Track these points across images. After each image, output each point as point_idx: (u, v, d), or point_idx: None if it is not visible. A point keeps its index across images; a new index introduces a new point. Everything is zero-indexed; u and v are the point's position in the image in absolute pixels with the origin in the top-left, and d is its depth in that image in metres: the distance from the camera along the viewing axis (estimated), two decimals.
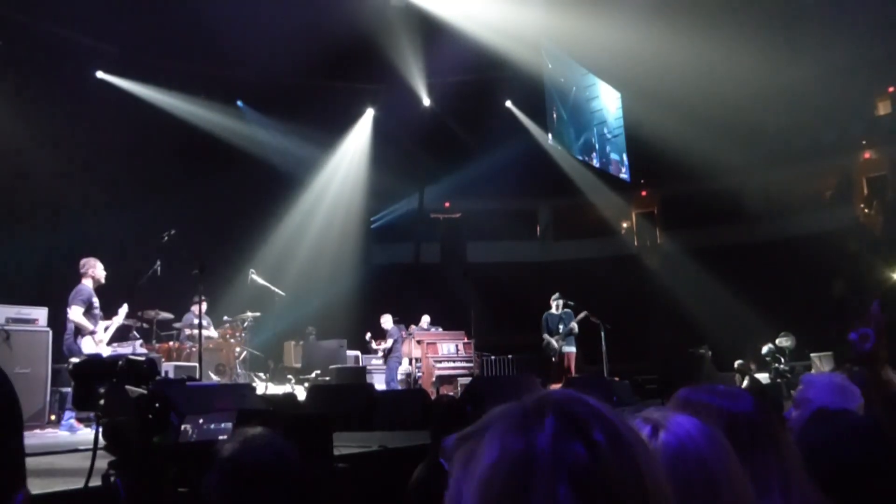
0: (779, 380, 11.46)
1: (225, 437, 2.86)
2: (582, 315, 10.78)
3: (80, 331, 6.84)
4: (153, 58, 10.92)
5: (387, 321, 11.03)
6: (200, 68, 11.17)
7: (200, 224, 10.04)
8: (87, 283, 6.94)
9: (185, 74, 11.14)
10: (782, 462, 1.20)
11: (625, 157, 15.89)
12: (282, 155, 12.55)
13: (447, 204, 15.23)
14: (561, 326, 10.90)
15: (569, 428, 0.64)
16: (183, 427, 2.95)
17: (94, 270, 6.97)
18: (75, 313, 6.75)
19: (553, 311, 11.03)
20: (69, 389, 9.21)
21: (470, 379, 9.85)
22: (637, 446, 0.65)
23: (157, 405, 2.26)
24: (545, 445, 0.62)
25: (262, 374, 9.90)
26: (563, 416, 0.65)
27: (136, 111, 10.73)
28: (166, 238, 8.05)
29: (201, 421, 3.12)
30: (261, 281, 9.74)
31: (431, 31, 11.81)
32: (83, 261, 7.02)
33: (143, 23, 10.07)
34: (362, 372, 10.62)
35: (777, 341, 12.34)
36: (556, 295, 10.95)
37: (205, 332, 8.59)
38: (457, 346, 11.43)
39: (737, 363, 12.24)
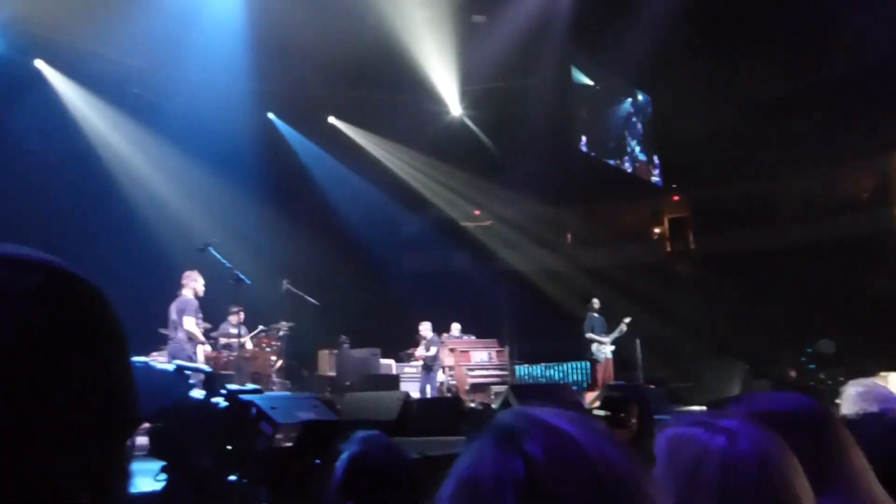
0: (820, 387, 11.23)
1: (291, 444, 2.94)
2: (628, 319, 10.78)
3: (192, 340, 7.31)
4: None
5: (427, 329, 11.04)
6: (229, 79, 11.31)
7: (235, 234, 10.18)
8: (189, 294, 7.39)
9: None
10: (846, 464, 1.18)
11: (656, 160, 15.76)
12: (314, 165, 12.70)
13: (477, 212, 15.22)
14: (602, 331, 10.91)
15: (506, 445, 0.63)
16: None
17: (196, 283, 7.40)
18: (190, 324, 7.24)
19: (593, 314, 11.02)
20: None
21: (504, 387, 9.81)
22: (591, 453, 0.63)
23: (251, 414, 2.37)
24: (488, 466, 0.62)
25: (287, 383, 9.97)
26: (500, 434, 0.64)
27: None
28: (204, 249, 8.17)
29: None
30: (295, 290, 9.85)
31: (461, 39, 11.88)
32: (186, 273, 7.51)
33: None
34: (396, 380, 10.65)
35: (815, 347, 12.11)
36: (596, 300, 10.95)
37: (240, 341, 8.71)
38: (489, 353, 11.40)
39: (776, 370, 12.04)
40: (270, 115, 12.87)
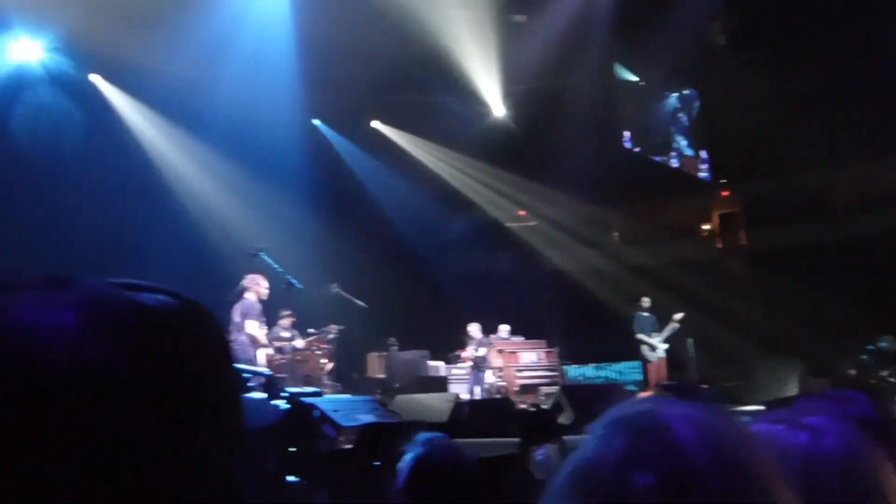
0: (881, 385, 10.87)
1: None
2: (680, 316, 10.62)
3: (254, 343, 7.47)
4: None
5: (475, 330, 11.03)
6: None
7: (285, 239, 10.33)
8: (252, 298, 7.56)
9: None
10: None
11: (704, 155, 15.48)
12: (359, 169, 12.83)
13: (522, 212, 15.16)
14: (652, 330, 10.77)
15: (642, 437, 0.63)
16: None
17: (259, 287, 7.54)
18: (253, 327, 7.41)
19: (643, 313, 10.89)
20: None
21: (555, 388, 9.74)
22: (731, 441, 0.63)
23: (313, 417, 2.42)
24: (622, 458, 0.62)
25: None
26: (633, 425, 0.64)
27: None
28: (255, 254, 8.31)
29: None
30: (343, 294, 9.98)
31: (502, 39, 11.87)
32: (249, 276, 7.65)
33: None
34: (444, 382, 10.68)
35: (878, 344, 11.70)
36: (647, 299, 10.82)
37: (292, 344, 8.84)
38: (538, 354, 11.34)
39: (835, 369, 11.68)
40: (316, 122, 13.04)
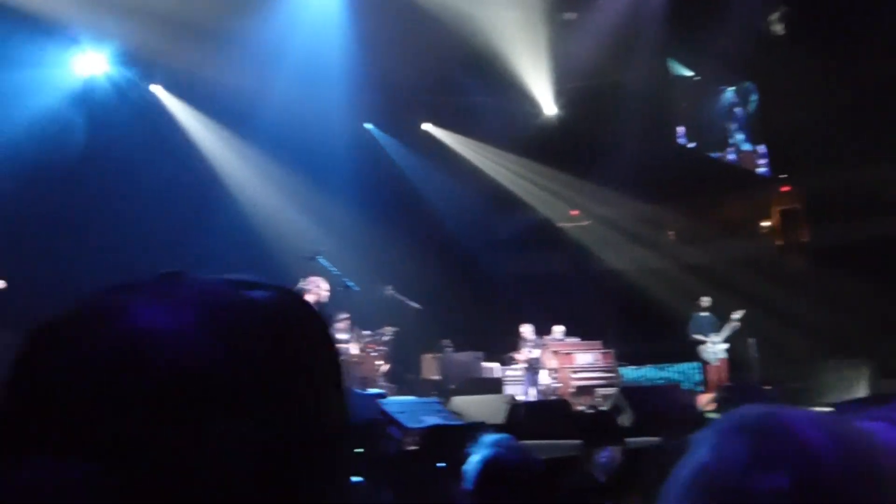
0: None
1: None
2: (740, 314, 10.36)
3: None
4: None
5: (528, 331, 10.98)
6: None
7: (339, 242, 10.47)
8: (311, 300, 7.61)
9: None
10: None
11: (763, 149, 15.06)
12: (411, 171, 12.92)
13: (574, 212, 15.01)
14: (712, 330, 10.53)
15: (769, 443, 0.61)
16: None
17: (319, 289, 7.61)
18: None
19: (702, 313, 10.65)
20: None
21: (612, 390, 9.60)
22: (863, 452, 0.61)
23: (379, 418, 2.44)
24: (735, 471, 0.61)
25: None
26: (761, 441, 0.62)
27: None
28: (313, 258, 8.43)
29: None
30: (398, 296, 10.06)
31: (552, 37, 11.79)
32: (310, 279, 7.71)
33: None
34: (499, 383, 10.65)
35: None
36: (707, 298, 10.59)
37: (347, 347, 8.95)
38: (594, 355, 11.19)
39: None
40: (368, 126, 13.18)
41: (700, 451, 0.65)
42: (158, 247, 9.73)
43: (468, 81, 12.47)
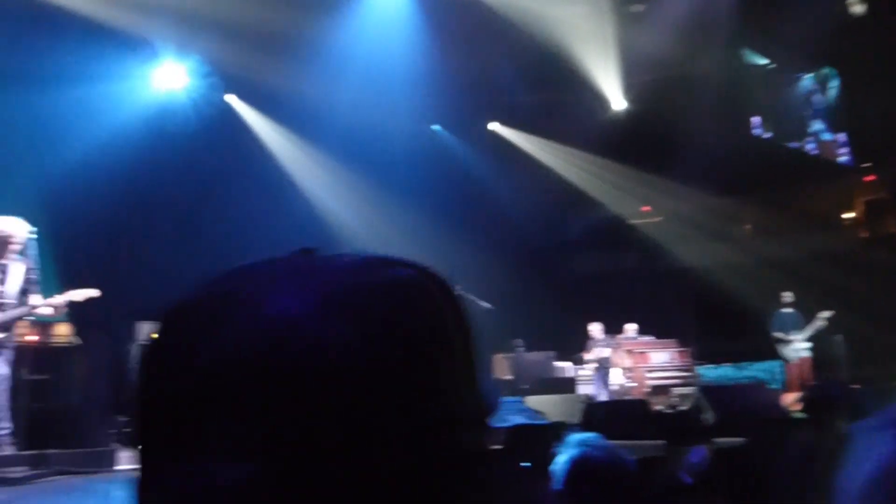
0: None
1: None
2: (828, 314, 9.95)
3: None
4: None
5: (597, 330, 10.84)
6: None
7: (409, 245, 10.57)
8: None
9: None
10: None
11: (844, 138, 14.41)
12: (478, 172, 12.92)
13: (646, 208, 14.71)
14: (795, 327, 10.13)
15: None
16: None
17: None
18: None
19: (784, 310, 10.27)
20: None
21: (690, 389, 9.37)
22: None
23: None
24: None
25: None
26: None
27: None
28: None
29: None
30: (468, 296, 10.05)
31: (620, 31, 11.59)
32: None
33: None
34: (572, 383, 10.55)
35: None
36: (789, 294, 10.20)
37: None
38: (669, 354, 10.94)
39: None
40: (435, 127, 13.26)
41: (879, 448, 0.62)
42: (237, 253, 10.03)
43: (535, 79, 12.38)
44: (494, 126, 13.64)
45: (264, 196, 11.10)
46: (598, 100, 13.00)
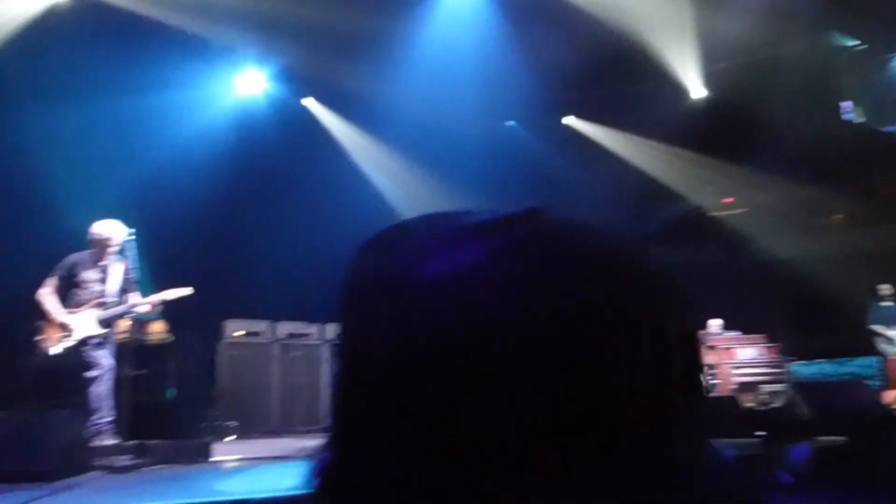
0: None
1: None
2: None
3: None
4: None
5: None
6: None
7: None
8: None
9: None
10: None
11: None
12: (553, 167, 12.80)
13: (728, 199, 14.23)
14: (894, 321, 9.60)
15: None
16: None
17: None
18: None
19: (883, 303, 9.75)
20: None
21: (782, 386, 9.01)
22: None
23: None
24: None
25: None
26: None
27: None
28: None
29: None
30: None
31: (699, 17, 11.23)
32: None
33: None
34: None
35: None
36: (887, 286, 9.68)
37: None
38: (758, 350, 10.56)
39: None
40: (510, 123, 13.20)
41: None
42: (316, 252, 10.27)
43: (610, 70, 12.14)
44: (569, 120, 13.46)
45: (342, 196, 11.31)
46: (677, 88, 12.63)
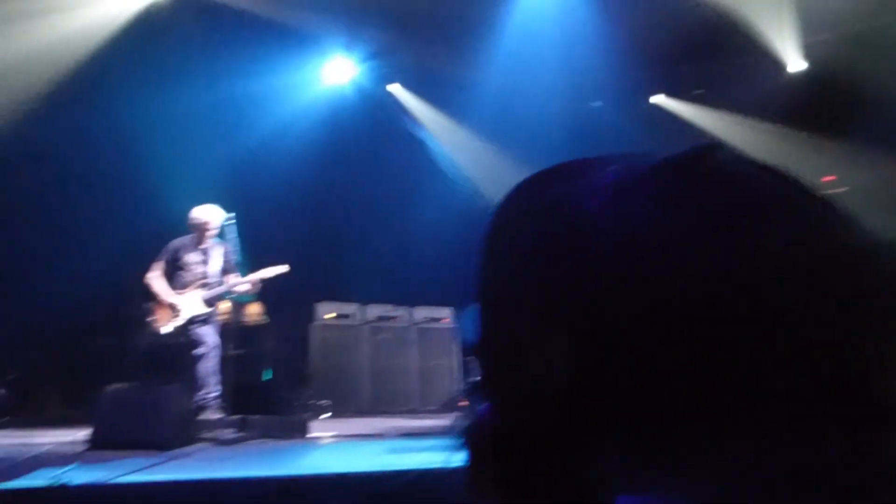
0: None
1: None
2: None
3: None
4: None
5: None
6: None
7: None
8: None
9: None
10: None
11: None
12: (642, 146, 12.48)
13: (829, 178, 13.50)
14: None
15: None
16: None
17: None
18: None
19: None
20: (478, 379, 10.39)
21: None
22: None
23: None
24: None
25: None
26: None
27: None
28: None
29: None
30: None
31: None
32: None
33: None
34: None
35: None
36: None
37: None
38: None
39: None
40: (596, 104, 12.96)
41: None
42: (408, 239, 10.43)
43: (700, 46, 11.71)
44: (658, 99, 13.08)
45: (429, 182, 11.42)
46: (772, 62, 12.06)
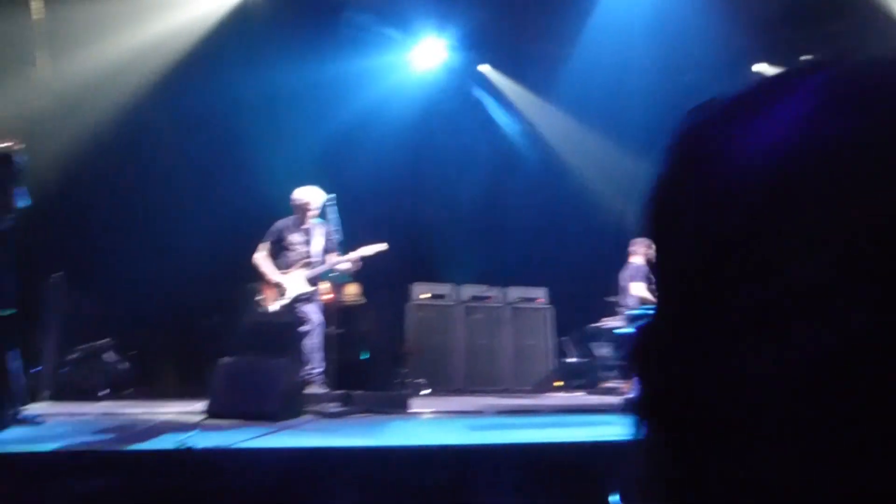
0: None
1: None
2: None
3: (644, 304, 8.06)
4: None
5: None
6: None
7: None
8: (639, 261, 8.08)
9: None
10: None
11: None
12: None
13: None
14: None
15: None
16: None
17: (648, 249, 7.82)
18: (639, 289, 7.98)
19: None
20: (572, 359, 10.26)
21: None
22: None
23: None
24: None
25: None
26: None
27: None
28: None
29: None
30: None
31: None
32: (635, 240, 8.18)
33: None
34: None
35: None
36: None
37: None
38: None
39: None
40: (693, 76, 12.46)
41: None
42: (500, 220, 10.42)
43: (807, 6, 11.06)
44: (761, 67, 12.44)
45: (521, 163, 11.38)
46: (887, 22, 11.24)
